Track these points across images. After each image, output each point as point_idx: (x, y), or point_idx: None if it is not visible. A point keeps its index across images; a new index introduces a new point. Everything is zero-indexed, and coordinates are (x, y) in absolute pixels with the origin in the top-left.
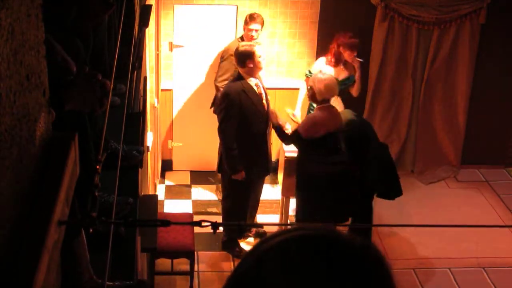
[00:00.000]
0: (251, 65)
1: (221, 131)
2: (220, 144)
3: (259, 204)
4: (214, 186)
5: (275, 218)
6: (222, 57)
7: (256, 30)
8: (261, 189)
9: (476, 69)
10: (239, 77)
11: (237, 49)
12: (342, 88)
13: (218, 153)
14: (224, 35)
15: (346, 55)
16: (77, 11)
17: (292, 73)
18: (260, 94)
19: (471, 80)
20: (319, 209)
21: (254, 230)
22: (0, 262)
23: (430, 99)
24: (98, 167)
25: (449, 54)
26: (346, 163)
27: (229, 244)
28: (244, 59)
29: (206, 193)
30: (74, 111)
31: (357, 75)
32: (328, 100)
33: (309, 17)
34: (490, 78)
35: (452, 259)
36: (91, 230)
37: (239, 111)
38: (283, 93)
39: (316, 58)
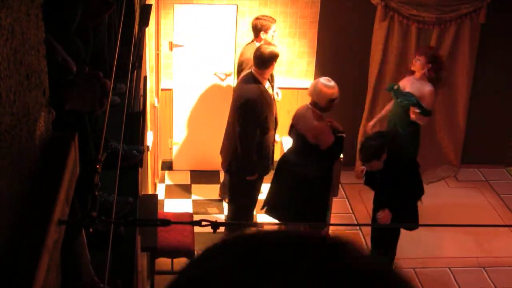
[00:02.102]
0: (272, 69)
1: (244, 135)
2: (230, 145)
3: (260, 204)
4: (214, 186)
5: None
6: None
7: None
8: (260, 188)
9: (476, 69)
10: (254, 80)
11: (263, 50)
12: (404, 104)
13: (227, 153)
14: (224, 35)
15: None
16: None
17: (292, 73)
18: (272, 96)
19: (471, 80)
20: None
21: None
22: (0, 262)
23: None
24: (98, 166)
25: (449, 53)
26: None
27: None
28: (271, 62)
29: (206, 193)
30: (74, 111)
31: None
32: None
33: (309, 17)
34: (490, 78)
35: (452, 259)
36: (91, 230)
37: (260, 113)
38: (283, 92)
39: (316, 58)
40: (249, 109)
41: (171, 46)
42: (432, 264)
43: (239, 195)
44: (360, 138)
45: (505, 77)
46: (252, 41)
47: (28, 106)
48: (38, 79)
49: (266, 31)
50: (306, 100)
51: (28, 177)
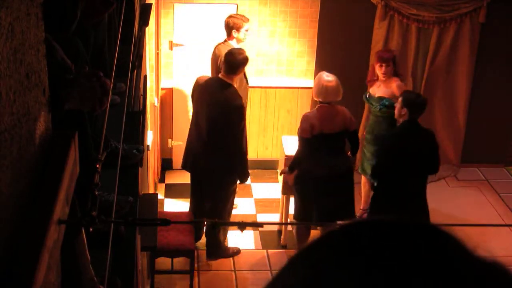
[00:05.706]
0: (241, 74)
1: (241, 138)
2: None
3: (260, 203)
4: None
5: (275, 217)
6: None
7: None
8: None
9: (476, 68)
10: (226, 85)
11: (236, 57)
12: (380, 108)
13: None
14: (224, 34)
15: (376, 68)
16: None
17: (292, 72)
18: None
19: (471, 79)
20: (309, 209)
21: None
22: (0, 261)
23: (430, 98)
24: (98, 166)
25: (449, 53)
26: (344, 167)
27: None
28: (241, 68)
29: None
30: (74, 110)
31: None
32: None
33: (309, 16)
34: (490, 77)
35: None
36: (91, 229)
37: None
38: (282, 92)
39: (316, 57)
40: (242, 113)
41: (171, 45)
42: None
43: (222, 197)
44: (359, 138)
45: (505, 76)
46: (225, 41)
47: (28, 106)
48: (38, 78)
49: (238, 30)
50: (306, 99)
51: (28, 176)
